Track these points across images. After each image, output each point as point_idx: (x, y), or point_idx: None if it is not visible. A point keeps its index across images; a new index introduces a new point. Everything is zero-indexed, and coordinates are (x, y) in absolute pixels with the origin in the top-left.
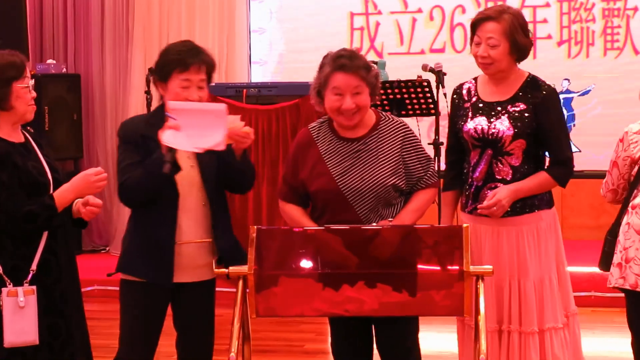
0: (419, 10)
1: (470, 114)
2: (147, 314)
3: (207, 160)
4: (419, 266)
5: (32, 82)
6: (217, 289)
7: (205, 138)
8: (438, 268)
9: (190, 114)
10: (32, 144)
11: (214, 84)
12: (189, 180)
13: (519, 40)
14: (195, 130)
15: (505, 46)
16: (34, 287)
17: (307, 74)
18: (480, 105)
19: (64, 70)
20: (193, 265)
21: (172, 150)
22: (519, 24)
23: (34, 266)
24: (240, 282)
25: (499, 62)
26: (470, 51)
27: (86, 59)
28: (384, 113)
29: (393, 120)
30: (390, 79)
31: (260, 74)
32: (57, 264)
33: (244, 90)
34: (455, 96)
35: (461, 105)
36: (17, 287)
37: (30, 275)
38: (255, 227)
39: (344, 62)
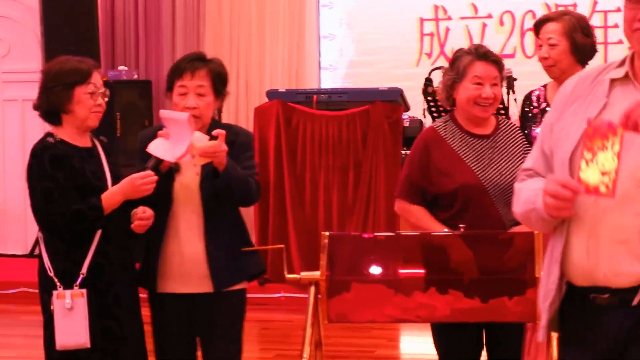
0: (489, 16)
1: (539, 119)
2: (162, 325)
3: (209, 169)
4: (491, 272)
5: (102, 90)
6: (287, 294)
7: (177, 148)
8: (510, 274)
9: (173, 123)
10: (99, 150)
11: (284, 90)
12: (189, 189)
13: (578, 39)
14: (175, 140)
15: (565, 45)
16: (84, 291)
17: (377, 79)
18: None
19: (135, 76)
20: (195, 275)
21: (156, 159)
22: (580, 25)
23: (84, 269)
24: (312, 288)
25: (560, 62)
26: (537, 57)
27: (157, 65)
28: (496, 116)
29: (508, 121)
30: None
31: (330, 80)
32: (110, 268)
33: (314, 96)
34: (525, 103)
35: (530, 111)
36: (66, 290)
37: (80, 279)
38: (327, 233)
39: (485, 51)
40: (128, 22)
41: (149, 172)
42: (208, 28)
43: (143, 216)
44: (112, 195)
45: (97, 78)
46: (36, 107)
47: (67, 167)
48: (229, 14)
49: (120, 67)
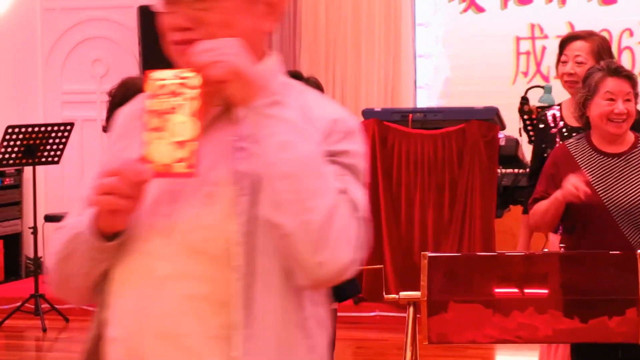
0: None
1: (558, 139)
2: None
3: None
4: (590, 292)
5: None
6: (382, 313)
7: None
8: (610, 294)
9: None
10: None
11: (379, 109)
12: None
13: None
14: None
15: (591, 64)
16: None
17: (473, 98)
18: (565, 130)
19: None
20: None
21: None
22: (605, 47)
23: None
24: (411, 309)
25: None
26: (556, 73)
27: None
28: (636, 133)
29: None
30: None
31: (426, 99)
32: None
33: (410, 115)
34: (540, 123)
35: (547, 132)
36: None
37: None
38: (427, 254)
39: (617, 67)
40: None
41: None
42: (304, 48)
43: None
44: None
45: None
46: (105, 129)
47: None
48: (325, 33)
49: None
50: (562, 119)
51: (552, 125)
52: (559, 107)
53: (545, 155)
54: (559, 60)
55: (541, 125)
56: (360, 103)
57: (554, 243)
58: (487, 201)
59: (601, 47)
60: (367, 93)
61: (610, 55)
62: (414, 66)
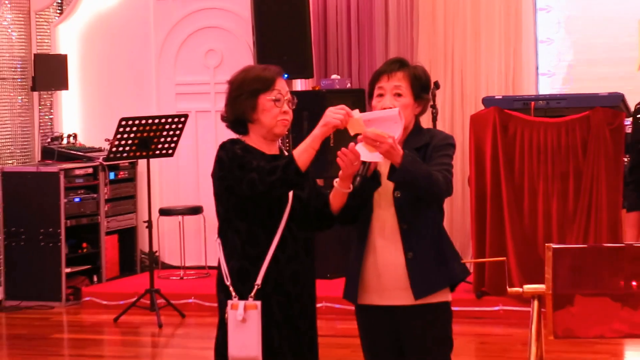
0: None
1: None
2: (368, 337)
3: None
4: None
5: (288, 97)
6: (506, 307)
7: None
8: None
9: (376, 123)
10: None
11: (500, 97)
12: (383, 194)
13: None
14: None
15: None
16: (258, 303)
17: (598, 85)
18: None
19: (348, 85)
20: (395, 285)
21: (364, 164)
22: None
23: (259, 280)
24: (535, 303)
25: None
26: None
27: (370, 74)
28: None
29: None
30: None
31: (548, 86)
32: (304, 274)
33: (532, 102)
34: (638, 115)
35: None
36: (241, 301)
37: (254, 290)
38: (551, 245)
39: None
40: (340, 30)
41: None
42: (422, 35)
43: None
44: (302, 143)
45: (281, 85)
46: (224, 118)
47: (258, 158)
48: (443, 20)
49: (333, 76)
50: None
51: None
52: None
53: None
54: None
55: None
56: (480, 91)
57: None
58: (613, 191)
59: None
60: (487, 81)
61: None
62: (536, 52)
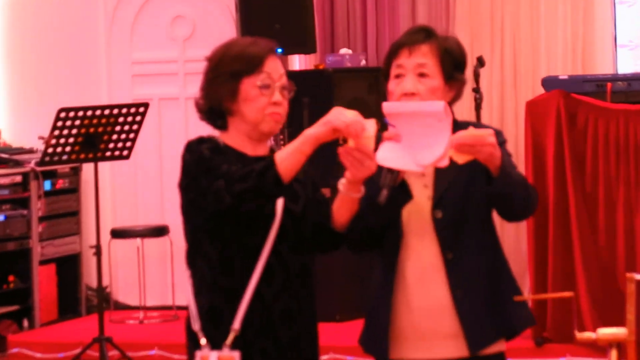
0: None
1: None
2: None
3: (451, 178)
4: None
5: (281, 83)
6: (575, 358)
7: (426, 150)
8: None
9: (408, 119)
10: None
11: (566, 77)
12: (419, 217)
13: None
14: (412, 141)
15: None
16: (235, 355)
17: None
18: None
19: (363, 62)
20: (440, 333)
21: (392, 172)
22: None
23: (236, 324)
24: (614, 352)
25: None
26: None
27: None
28: None
29: None
30: None
31: (631, 62)
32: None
33: (608, 84)
34: None
35: None
36: (213, 352)
37: (231, 337)
38: (634, 275)
39: None
40: None
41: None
42: None
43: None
44: (290, 144)
45: (273, 65)
46: (198, 106)
47: (231, 161)
48: None
49: (343, 51)
50: None
51: None
52: None
53: None
54: None
55: None
56: (539, 69)
57: None
58: None
59: None
60: (548, 56)
61: None
62: (613, 18)
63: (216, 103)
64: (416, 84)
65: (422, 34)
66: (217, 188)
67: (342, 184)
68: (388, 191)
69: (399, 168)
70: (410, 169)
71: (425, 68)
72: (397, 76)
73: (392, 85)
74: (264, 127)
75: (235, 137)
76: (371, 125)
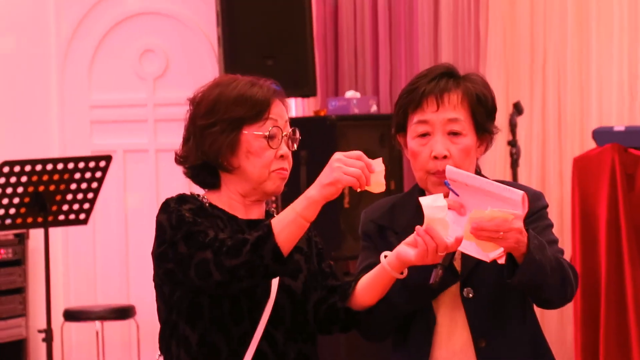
0: None
1: None
2: None
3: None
4: None
5: (288, 132)
6: None
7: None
8: None
9: (476, 193)
10: None
11: (622, 128)
12: (448, 301)
13: None
14: None
15: None
16: None
17: None
18: None
19: (374, 109)
20: None
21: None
22: None
23: None
24: None
25: None
26: None
27: None
28: None
29: None
30: None
31: None
32: None
33: None
34: None
35: None
36: None
37: None
38: None
39: None
40: (361, 19)
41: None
42: (493, 28)
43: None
44: (289, 208)
45: (278, 111)
46: (180, 160)
47: (219, 226)
48: (529, 6)
49: (349, 94)
50: None
51: None
52: None
53: None
54: None
55: None
56: (589, 119)
57: None
58: None
59: None
60: (600, 103)
61: None
62: None
63: (212, 157)
64: (448, 145)
65: (450, 80)
66: (201, 260)
67: (384, 256)
68: (443, 271)
69: (479, 257)
70: (480, 257)
71: (457, 125)
72: (423, 135)
73: (416, 145)
74: (268, 186)
75: (226, 197)
76: (378, 161)
